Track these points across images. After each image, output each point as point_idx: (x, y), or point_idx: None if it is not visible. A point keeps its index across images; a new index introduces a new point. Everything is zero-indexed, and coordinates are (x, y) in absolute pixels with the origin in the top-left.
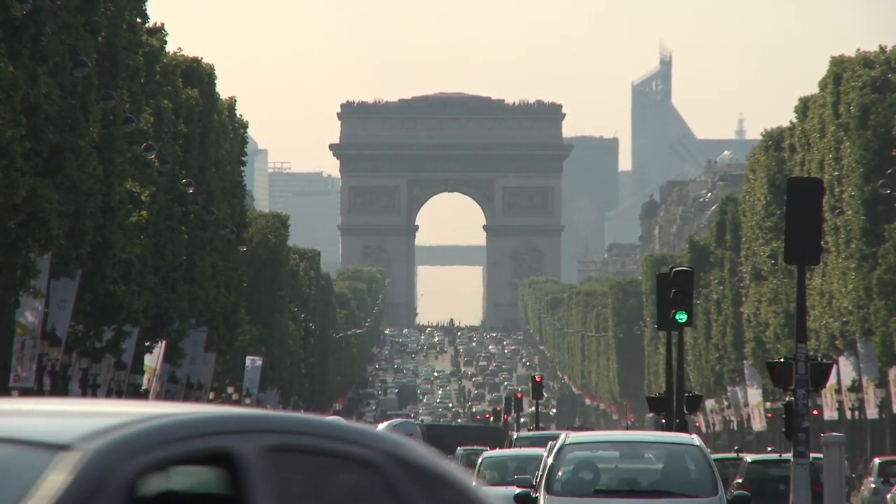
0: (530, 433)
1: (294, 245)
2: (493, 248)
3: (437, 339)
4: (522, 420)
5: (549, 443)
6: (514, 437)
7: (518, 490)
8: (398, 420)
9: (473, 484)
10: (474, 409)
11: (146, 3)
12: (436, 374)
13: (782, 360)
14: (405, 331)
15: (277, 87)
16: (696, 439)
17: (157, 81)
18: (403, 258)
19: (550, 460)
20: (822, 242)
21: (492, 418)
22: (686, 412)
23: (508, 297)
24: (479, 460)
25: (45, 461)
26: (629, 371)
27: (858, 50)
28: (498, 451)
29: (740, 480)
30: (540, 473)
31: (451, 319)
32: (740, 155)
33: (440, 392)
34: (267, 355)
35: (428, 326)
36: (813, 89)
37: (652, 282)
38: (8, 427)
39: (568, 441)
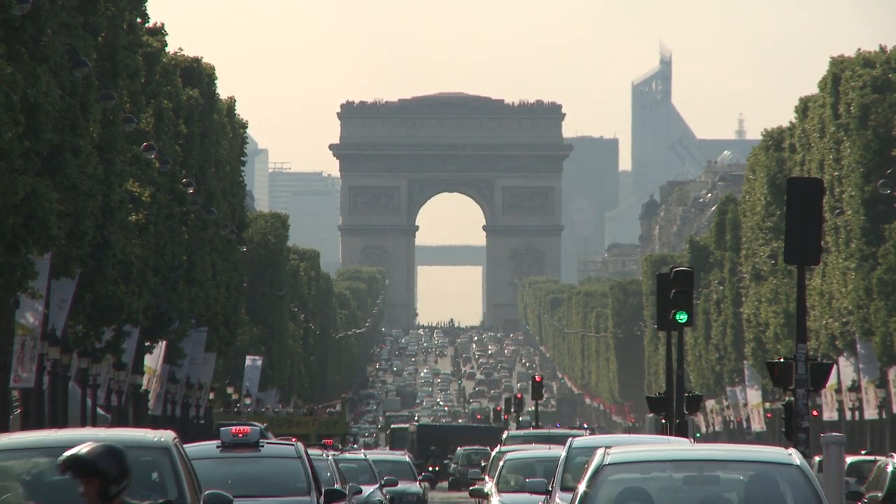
0: (523, 431)
1: (294, 245)
2: (493, 248)
3: (437, 340)
4: (522, 420)
5: (570, 440)
6: (505, 435)
7: None
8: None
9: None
10: (470, 409)
11: (146, 3)
12: (439, 378)
13: (782, 360)
14: (408, 335)
15: (277, 87)
16: (794, 456)
17: (157, 81)
18: (403, 258)
19: (583, 488)
20: (822, 242)
21: (493, 418)
22: (686, 412)
23: (508, 297)
24: (501, 463)
25: None
26: (629, 371)
27: (858, 50)
28: (522, 452)
29: None
30: (556, 478)
31: (451, 319)
32: (740, 155)
33: (440, 395)
34: (267, 355)
35: (428, 327)
36: (813, 89)
37: (652, 282)
38: None
39: (608, 461)
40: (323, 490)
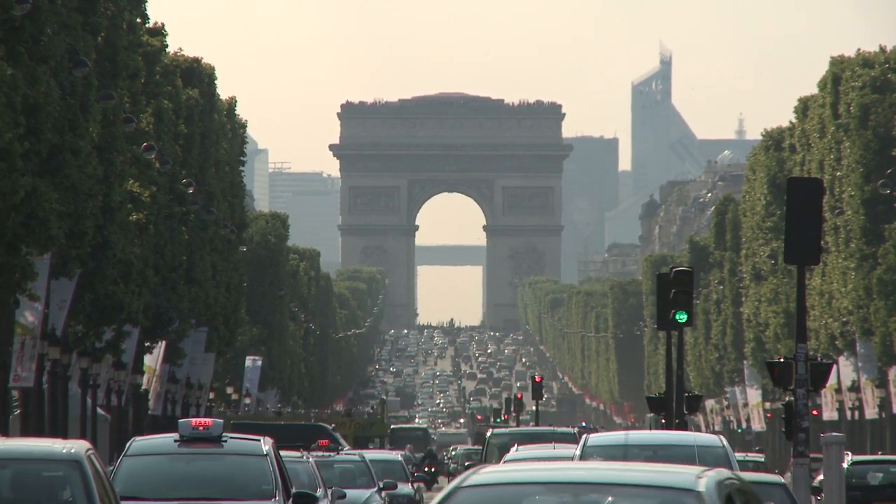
0: (508, 429)
1: (294, 245)
2: (493, 248)
3: (437, 341)
4: (522, 419)
5: (585, 437)
6: (489, 433)
7: None
8: None
9: None
10: (470, 408)
11: (146, 3)
12: (437, 380)
13: (782, 360)
14: (407, 332)
15: (277, 87)
16: (704, 480)
17: (157, 82)
18: (403, 258)
19: None
20: (822, 242)
21: (493, 418)
22: (686, 412)
23: (508, 297)
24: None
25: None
26: (629, 371)
27: (858, 50)
28: (523, 454)
29: None
30: None
31: (451, 319)
32: (740, 155)
33: (440, 395)
34: (267, 355)
35: (428, 326)
36: (813, 89)
37: (652, 282)
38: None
39: (468, 482)
40: (292, 493)
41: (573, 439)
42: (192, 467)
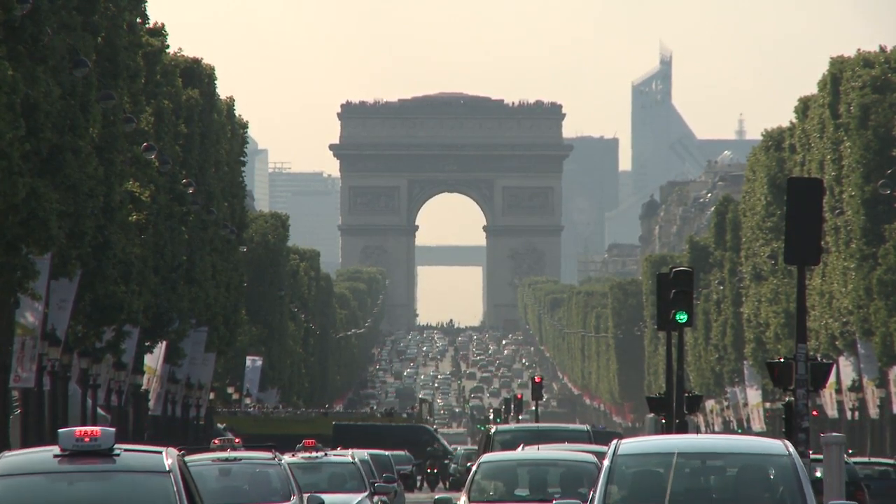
0: (513, 426)
1: (294, 245)
2: (493, 249)
3: (437, 343)
4: (522, 419)
5: (616, 443)
6: (493, 430)
7: None
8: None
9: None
10: (470, 407)
11: (146, 3)
12: (437, 382)
13: (782, 360)
14: (408, 335)
15: (277, 87)
16: None
17: (158, 82)
18: (403, 258)
19: None
20: (823, 242)
21: (494, 417)
22: (686, 412)
23: (508, 297)
24: (475, 467)
25: None
26: (629, 371)
27: (858, 50)
28: (502, 454)
29: None
30: (595, 496)
31: (451, 320)
32: (740, 155)
33: (441, 396)
34: (267, 355)
35: (428, 327)
36: (813, 89)
37: (652, 282)
38: None
39: None
40: None
41: (587, 438)
42: (76, 489)
